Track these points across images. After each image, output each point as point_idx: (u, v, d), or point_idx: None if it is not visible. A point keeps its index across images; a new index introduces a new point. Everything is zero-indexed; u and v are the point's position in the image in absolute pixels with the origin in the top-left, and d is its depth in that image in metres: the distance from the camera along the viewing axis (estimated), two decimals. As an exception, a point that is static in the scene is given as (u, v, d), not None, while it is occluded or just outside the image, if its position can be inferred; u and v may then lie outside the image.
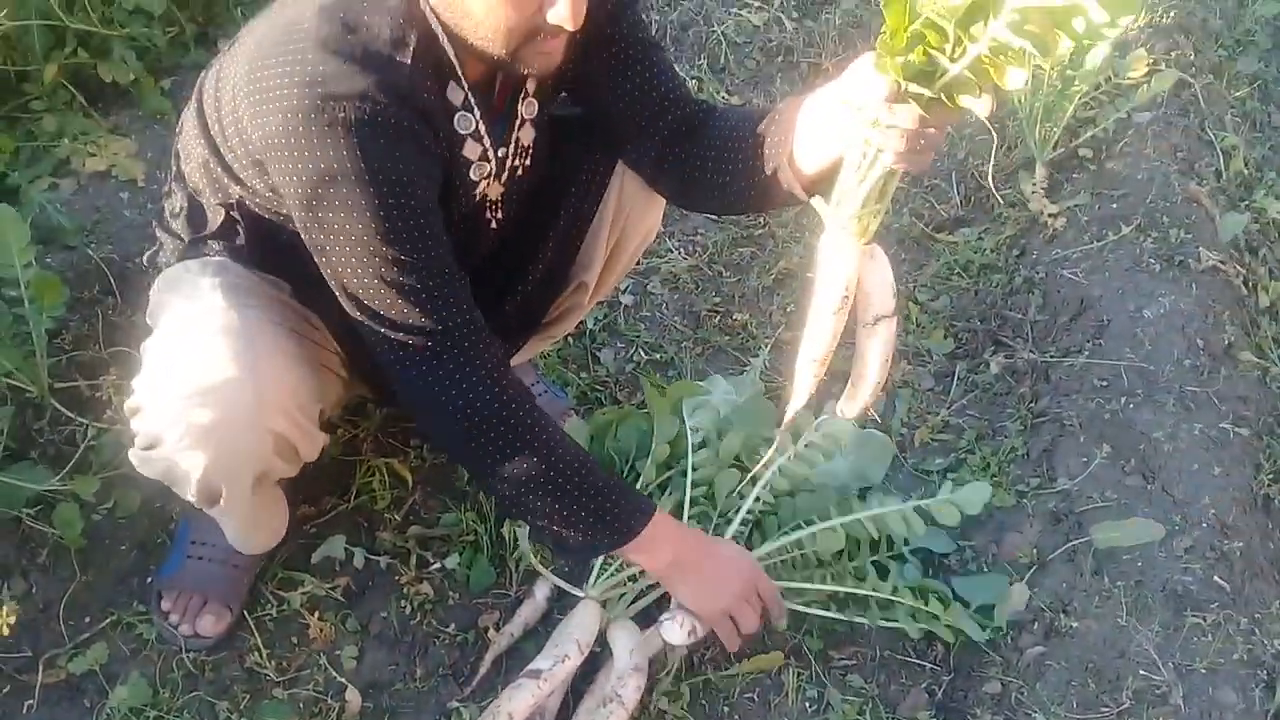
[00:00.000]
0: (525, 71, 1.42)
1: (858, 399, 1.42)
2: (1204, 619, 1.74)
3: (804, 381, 1.42)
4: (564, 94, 1.66)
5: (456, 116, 1.48)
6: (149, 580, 1.84)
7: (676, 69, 1.69)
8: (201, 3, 2.69)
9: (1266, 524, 1.97)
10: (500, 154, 1.57)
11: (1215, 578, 1.80)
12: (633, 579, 1.79)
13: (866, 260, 1.32)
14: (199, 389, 1.40)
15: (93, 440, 1.92)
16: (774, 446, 1.81)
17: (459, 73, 1.44)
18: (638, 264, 2.25)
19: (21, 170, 2.31)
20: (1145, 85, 2.60)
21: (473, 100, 1.48)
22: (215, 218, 1.56)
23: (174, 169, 1.63)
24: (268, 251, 1.55)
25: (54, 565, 1.84)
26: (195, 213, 1.58)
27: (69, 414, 1.95)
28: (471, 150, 1.53)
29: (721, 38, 3.07)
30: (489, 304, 1.69)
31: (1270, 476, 2.05)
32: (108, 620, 1.79)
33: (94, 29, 2.44)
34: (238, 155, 1.46)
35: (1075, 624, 1.75)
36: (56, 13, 2.36)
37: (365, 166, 1.33)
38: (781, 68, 3.06)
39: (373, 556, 1.89)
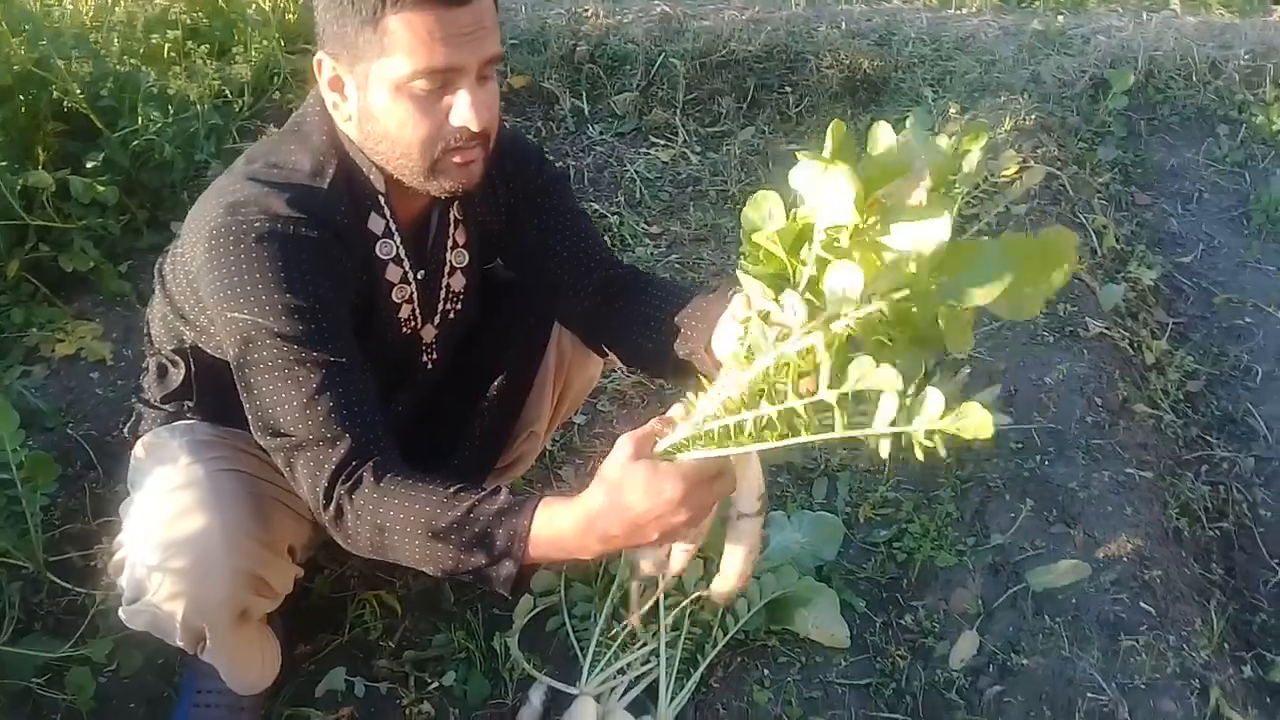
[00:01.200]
0: (450, 189, 1.49)
1: (720, 586, 1.39)
2: (1137, 641, 1.93)
3: (675, 558, 1.37)
4: (499, 260, 1.81)
5: (378, 244, 1.58)
6: (159, 734, 1.91)
7: (602, 237, 1.83)
8: (150, 190, 2.86)
9: (1179, 553, 2.19)
10: (428, 295, 1.69)
11: (1141, 604, 2.00)
12: (622, 671, 1.92)
13: (739, 455, 1.27)
14: (172, 537, 1.53)
15: (101, 604, 2.00)
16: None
17: (381, 204, 1.55)
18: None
19: (-6, 361, 2.43)
20: (1018, 181, 2.91)
21: (394, 227, 1.58)
22: (176, 373, 1.68)
23: (146, 341, 1.77)
24: (223, 400, 1.61)
25: (66, 731, 1.90)
26: (161, 371, 1.72)
27: (65, 585, 2.03)
28: (393, 274, 1.62)
29: (635, 176, 3.33)
30: (439, 455, 1.82)
31: (1176, 511, 2.27)
32: (123, 778, 1.85)
33: (52, 224, 2.59)
34: (185, 294, 1.60)
35: (1025, 661, 1.93)
36: (17, 211, 2.51)
37: (270, 270, 1.41)
38: (693, 196, 3.31)
39: (373, 684, 1.98)
